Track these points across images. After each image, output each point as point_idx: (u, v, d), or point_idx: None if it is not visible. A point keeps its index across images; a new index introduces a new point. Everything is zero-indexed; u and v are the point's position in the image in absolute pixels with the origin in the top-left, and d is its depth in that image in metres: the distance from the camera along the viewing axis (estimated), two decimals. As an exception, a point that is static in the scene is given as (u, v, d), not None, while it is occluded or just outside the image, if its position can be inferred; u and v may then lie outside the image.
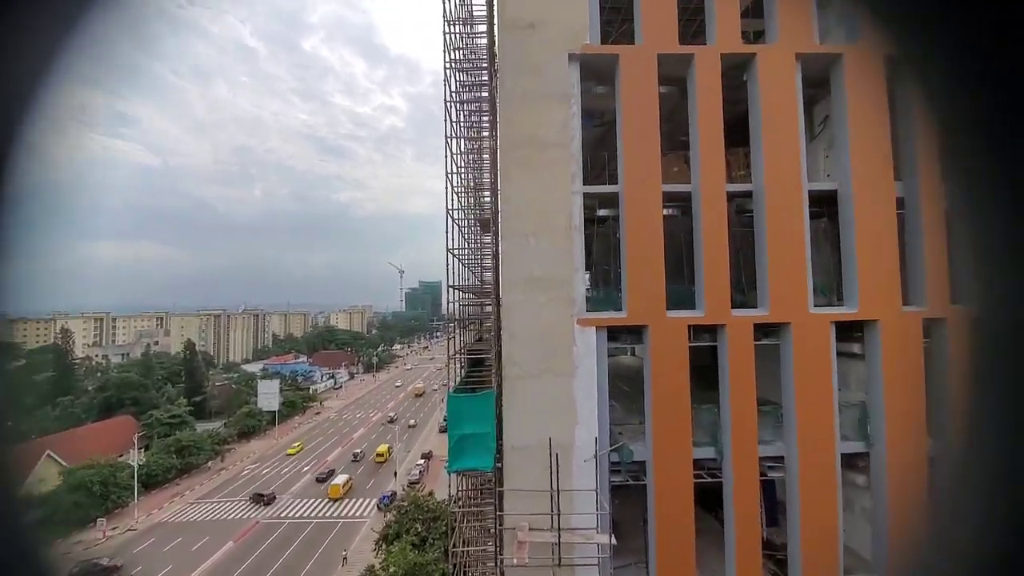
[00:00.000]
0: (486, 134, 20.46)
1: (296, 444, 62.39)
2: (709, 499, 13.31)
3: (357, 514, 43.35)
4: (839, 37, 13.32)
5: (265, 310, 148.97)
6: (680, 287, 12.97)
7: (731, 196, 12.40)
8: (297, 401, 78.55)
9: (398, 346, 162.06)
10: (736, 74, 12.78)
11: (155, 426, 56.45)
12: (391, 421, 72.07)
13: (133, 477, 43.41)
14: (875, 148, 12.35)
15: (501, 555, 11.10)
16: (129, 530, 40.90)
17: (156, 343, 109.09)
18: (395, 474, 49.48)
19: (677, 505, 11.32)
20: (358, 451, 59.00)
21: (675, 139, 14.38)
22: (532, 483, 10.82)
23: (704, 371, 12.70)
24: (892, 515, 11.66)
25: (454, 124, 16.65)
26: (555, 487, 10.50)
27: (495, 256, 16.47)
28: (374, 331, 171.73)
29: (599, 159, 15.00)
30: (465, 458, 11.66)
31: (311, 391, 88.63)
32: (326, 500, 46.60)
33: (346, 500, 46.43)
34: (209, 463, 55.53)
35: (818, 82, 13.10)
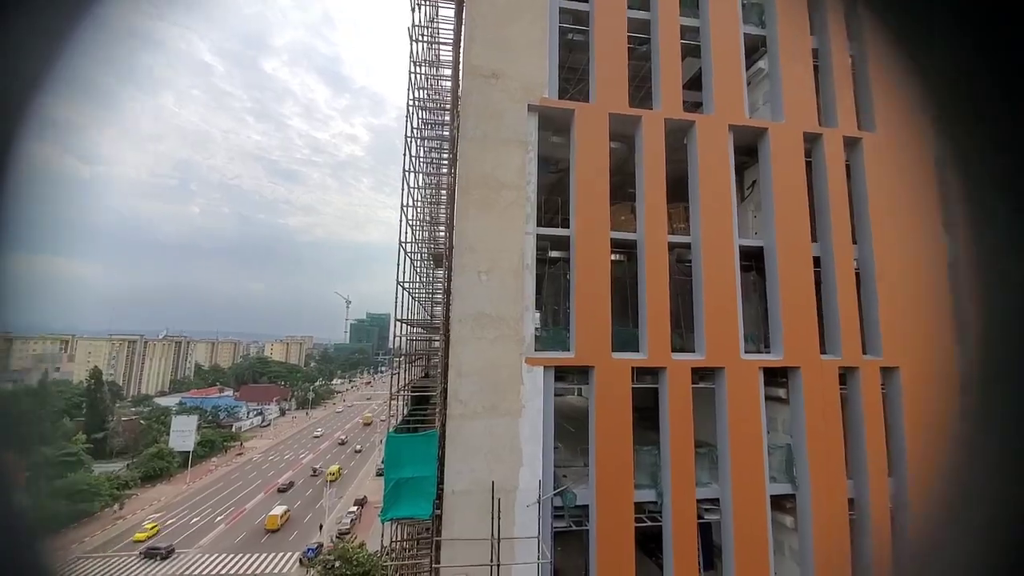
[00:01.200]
0: (445, 171, 20.77)
1: (150, 525, 45.19)
2: (648, 543, 13.30)
3: (276, 571, 39.03)
4: (765, 114, 15.08)
5: (190, 337, 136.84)
6: (625, 329, 13.42)
7: (672, 246, 13.24)
8: (216, 440, 71.30)
9: (338, 381, 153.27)
10: (678, 136, 14.00)
11: (44, 466, 48.90)
12: (342, 443, 77.69)
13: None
14: (795, 212, 13.80)
15: (436, 611, 10.35)
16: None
17: (57, 369, 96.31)
18: (320, 527, 45.30)
19: (619, 550, 11.19)
20: (317, 466, 63.76)
21: (624, 190, 15.31)
22: (472, 531, 10.34)
23: (645, 413, 12.99)
24: (818, 556, 12.17)
25: (414, 159, 16.80)
26: (496, 535, 10.08)
27: (446, 291, 16.34)
28: (312, 364, 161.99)
29: (553, 203, 15.60)
30: (401, 505, 10.96)
31: (234, 429, 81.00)
32: (241, 554, 41.68)
33: (264, 554, 41.77)
34: (112, 509, 48.46)
35: (747, 151, 14.61)
